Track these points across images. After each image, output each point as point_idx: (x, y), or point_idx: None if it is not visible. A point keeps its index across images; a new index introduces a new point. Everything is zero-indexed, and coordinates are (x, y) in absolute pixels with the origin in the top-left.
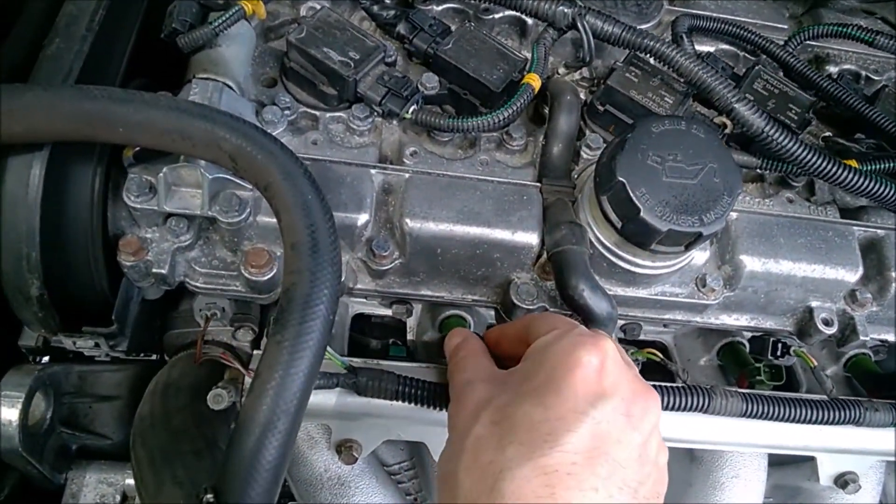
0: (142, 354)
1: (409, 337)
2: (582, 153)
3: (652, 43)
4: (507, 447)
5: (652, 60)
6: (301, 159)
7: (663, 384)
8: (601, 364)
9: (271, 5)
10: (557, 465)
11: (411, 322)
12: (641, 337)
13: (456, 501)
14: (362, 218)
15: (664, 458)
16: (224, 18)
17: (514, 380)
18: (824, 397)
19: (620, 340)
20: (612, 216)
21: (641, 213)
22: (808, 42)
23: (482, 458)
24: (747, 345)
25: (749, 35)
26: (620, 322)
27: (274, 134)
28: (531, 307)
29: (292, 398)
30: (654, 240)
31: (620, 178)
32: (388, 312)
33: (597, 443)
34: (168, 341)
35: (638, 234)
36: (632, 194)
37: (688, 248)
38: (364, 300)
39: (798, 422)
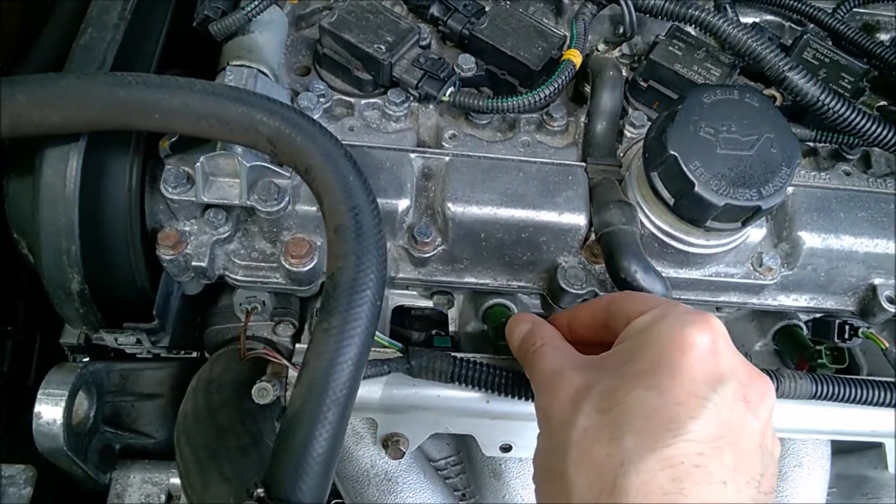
0: (182, 352)
1: (452, 328)
2: (626, 132)
3: (696, 13)
4: (624, 437)
5: (694, 32)
6: (341, 143)
7: None
8: (714, 344)
9: None
10: (684, 455)
11: (453, 313)
12: None
13: (570, 502)
14: (403, 203)
15: (778, 449)
16: (256, 4)
17: (614, 363)
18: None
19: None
20: (664, 193)
21: (696, 188)
22: (856, 9)
23: (596, 452)
24: (804, 327)
25: (795, 3)
26: None
27: None
28: (580, 292)
29: (342, 387)
30: (710, 216)
31: (672, 152)
32: (429, 304)
33: (721, 431)
34: (208, 338)
35: (692, 211)
36: (685, 168)
37: (745, 223)
38: (404, 292)
39: (872, 404)
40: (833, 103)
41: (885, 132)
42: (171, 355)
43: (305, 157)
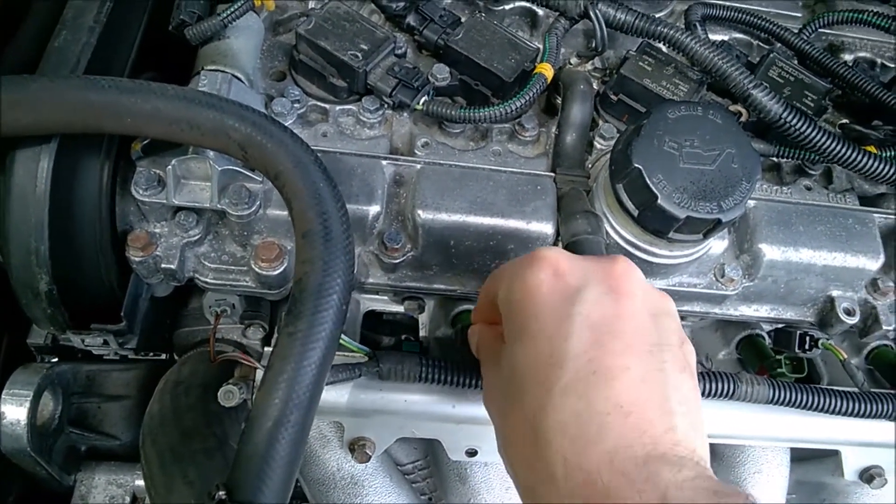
0: (151, 354)
1: (423, 333)
2: (595, 143)
3: (665, 30)
4: (524, 397)
5: (665, 48)
6: (312, 149)
7: None
8: (554, 270)
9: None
10: (575, 372)
11: (423, 318)
12: None
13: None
14: (374, 209)
15: (668, 303)
16: (232, 9)
17: (504, 340)
18: (854, 389)
19: None
20: (629, 204)
21: (659, 201)
22: (822, 30)
23: (512, 424)
24: (766, 337)
25: (763, 23)
26: None
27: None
28: None
29: (305, 390)
30: (672, 227)
31: (637, 165)
32: (400, 309)
33: (598, 331)
34: (178, 340)
35: (655, 222)
36: (648, 181)
37: (706, 235)
38: (375, 296)
39: (829, 412)
40: (794, 121)
41: (842, 149)
42: (139, 357)
43: (275, 163)
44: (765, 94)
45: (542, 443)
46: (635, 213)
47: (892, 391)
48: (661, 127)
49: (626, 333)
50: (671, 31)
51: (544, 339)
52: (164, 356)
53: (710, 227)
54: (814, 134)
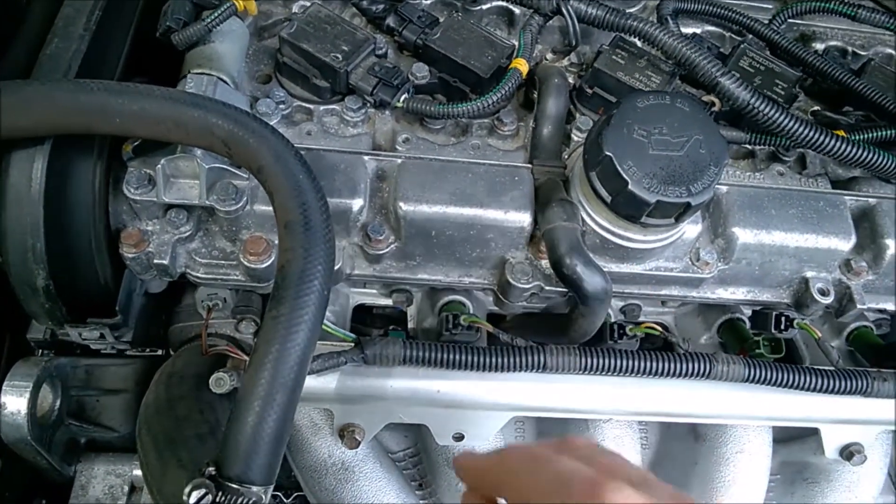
0: (148, 350)
1: (410, 325)
2: (572, 136)
3: (636, 24)
4: None
5: (638, 42)
6: (292, 143)
7: (664, 352)
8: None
9: (264, 5)
10: None
11: (411, 311)
12: (641, 319)
13: None
14: (357, 203)
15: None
16: (216, 15)
17: None
18: (830, 367)
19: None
20: (602, 191)
21: (629, 186)
22: (792, 20)
23: None
24: (747, 321)
25: (733, 15)
26: (619, 303)
27: None
28: (526, 286)
29: (290, 371)
30: (644, 212)
31: (607, 153)
32: (388, 302)
33: None
34: (172, 335)
35: (627, 208)
36: (619, 168)
37: (678, 219)
38: (364, 290)
39: (804, 389)
40: (763, 106)
41: (811, 133)
42: (136, 352)
43: (258, 158)
44: (732, 82)
45: None
46: (608, 199)
47: (866, 368)
48: (630, 116)
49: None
50: (641, 25)
51: None
52: (160, 352)
53: (680, 211)
54: (782, 119)
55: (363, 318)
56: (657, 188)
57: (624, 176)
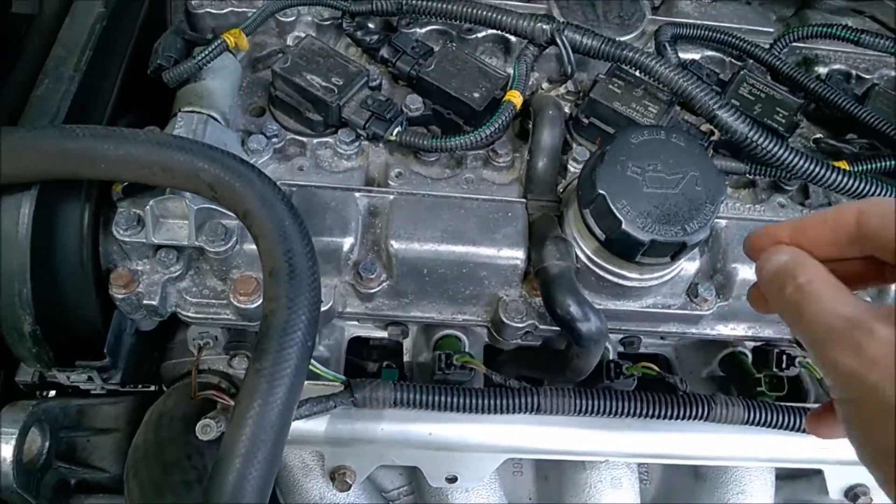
0: (140, 386)
1: (406, 358)
2: (569, 167)
3: (631, 54)
4: None
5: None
6: (280, 187)
7: (661, 394)
8: None
9: (259, 36)
10: None
11: (407, 344)
12: (642, 350)
13: None
14: (348, 241)
15: None
16: (207, 52)
17: None
18: None
19: (620, 355)
20: (596, 229)
21: (623, 226)
22: (795, 44)
23: None
24: (749, 354)
25: (733, 40)
26: (618, 336)
27: (259, 162)
28: (520, 325)
29: (271, 426)
30: (639, 252)
31: (601, 191)
32: (384, 334)
33: None
34: (165, 372)
35: (622, 247)
36: (612, 207)
37: (674, 258)
38: (359, 323)
39: (805, 432)
40: (761, 140)
41: (811, 167)
42: (128, 389)
43: (244, 202)
44: (730, 114)
45: None
46: (602, 237)
47: None
48: (624, 152)
49: None
50: (636, 55)
51: None
52: (153, 388)
53: (676, 250)
54: (780, 152)
55: (360, 349)
56: (652, 227)
57: (618, 215)
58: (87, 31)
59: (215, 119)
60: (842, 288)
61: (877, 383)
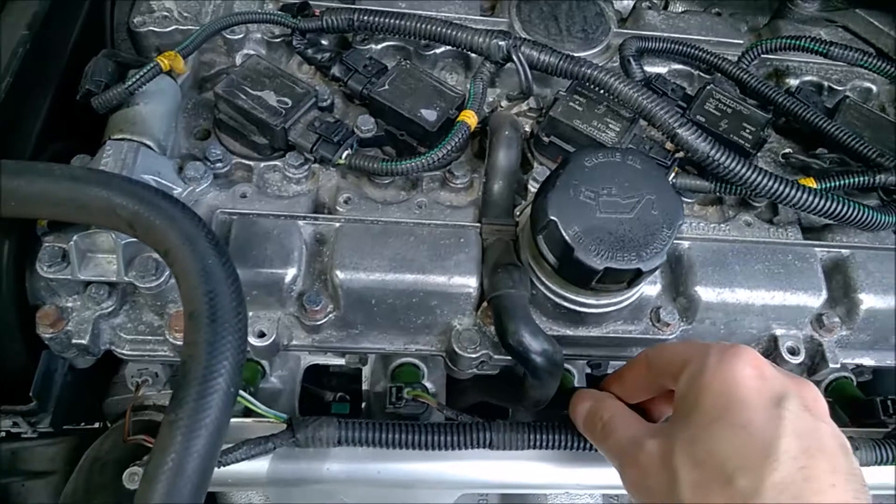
0: (83, 424)
1: (364, 387)
2: (529, 187)
3: (589, 70)
4: (734, 478)
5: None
6: (206, 222)
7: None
8: (757, 368)
9: (207, 55)
10: (791, 474)
11: (366, 372)
12: (610, 371)
13: None
14: (290, 272)
15: (849, 446)
16: (138, 76)
17: (683, 420)
18: None
19: (589, 377)
20: (549, 256)
21: (576, 253)
22: (764, 56)
23: (714, 501)
24: None
25: (700, 53)
26: (582, 361)
27: (198, 190)
28: (473, 355)
29: (187, 483)
30: (593, 279)
31: (552, 217)
32: (342, 362)
33: (805, 441)
34: (108, 408)
35: (575, 274)
36: (564, 234)
37: (630, 284)
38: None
39: None
40: (722, 158)
41: (774, 185)
42: (69, 428)
43: (164, 241)
44: (690, 133)
45: None
46: (556, 265)
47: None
48: (577, 176)
49: (828, 454)
50: (594, 72)
51: (755, 429)
52: (97, 424)
53: (631, 277)
54: (743, 171)
55: (320, 378)
56: (605, 254)
57: (570, 242)
58: (7, 56)
59: (148, 146)
60: (633, 416)
61: (651, 486)
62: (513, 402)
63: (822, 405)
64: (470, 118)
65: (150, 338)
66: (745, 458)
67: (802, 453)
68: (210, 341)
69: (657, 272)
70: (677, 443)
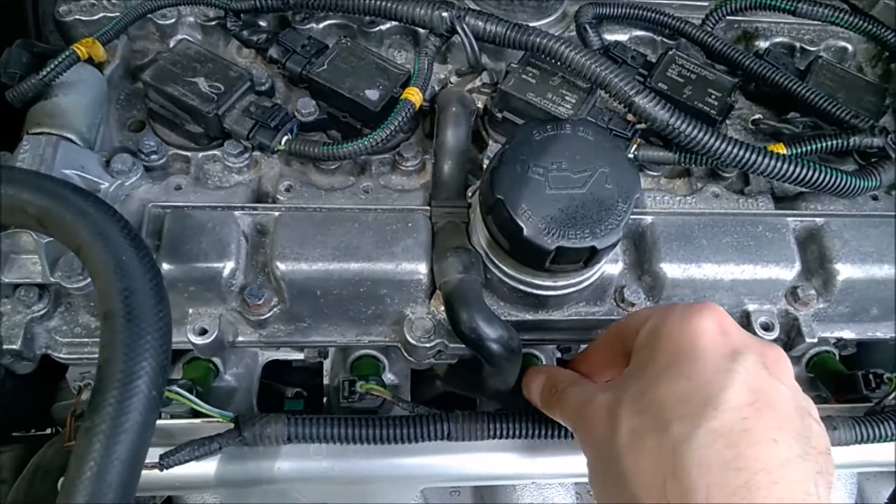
0: (33, 430)
1: (326, 381)
2: (484, 166)
3: (539, 39)
4: (670, 426)
5: None
6: (123, 216)
7: None
8: (720, 325)
9: (139, 43)
10: (730, 423)
11: (327, 365)
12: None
13: (639, 502)
14: (228, 266)
15: (814, 410)
16: (53, 66)
17: (635, 372)
18: None
19: (559, 361)
20: (500, 238)
21: (525, 233)
22: (731, 17)
23: (647, 447)
24: None
25: (661, 17)
26: (550, 345)
27: (128, 183)
28: (428, 345)
29: (108, 490)
30: (546, 259)
31: (499, 196)
32: (302, 356)
33: (754, 395)
34: (56, 414)
35: (528, 255)
36: (512, 213)
37: (587, 263)
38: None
39: None
40: (683, 126)
41: (739, 152)
42: (20, 434)
43: (76, 237)
44: (648, 101)
45: (683, 473)
46: (507, 246)
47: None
48: (524, 151)
49: (778, 411)
50: (545, 41)
51: (701, 381)
52: (49, 430)
53: (587, 256)
54: (706, 139)
55: (281, 373)
56: (557, 233)
57: (518, 221)
58: None
59: (70, 140)
60: (584, 381)
61: (595, 437)
62: (478, 391)
63: (786, 367)
64: (414, 96)
65: (87, 340)
66: (686, 406)
67: (748, 406)
68: (127, 342)
69: (617, 249)
70: (626, 394)
